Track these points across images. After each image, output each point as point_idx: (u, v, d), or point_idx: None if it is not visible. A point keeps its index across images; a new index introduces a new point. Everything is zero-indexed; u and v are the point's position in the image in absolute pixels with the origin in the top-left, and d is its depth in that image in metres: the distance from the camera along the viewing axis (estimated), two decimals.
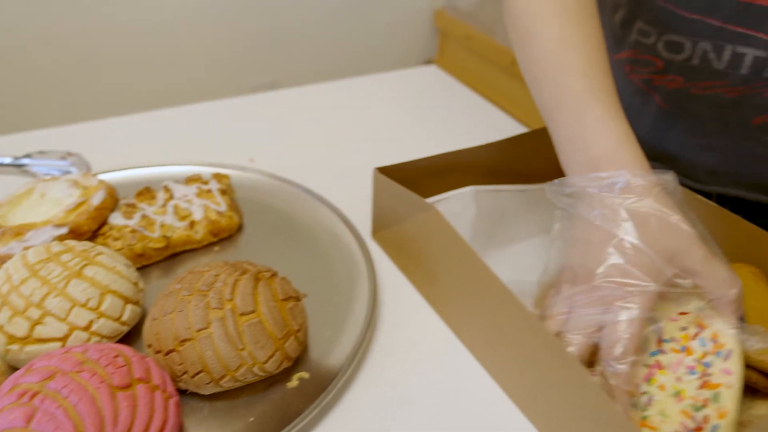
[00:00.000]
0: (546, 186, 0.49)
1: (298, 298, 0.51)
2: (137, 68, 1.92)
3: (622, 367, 0.40)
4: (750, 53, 0.55)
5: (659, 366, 0.42)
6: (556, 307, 0.45)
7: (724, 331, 0.42)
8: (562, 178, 0.48)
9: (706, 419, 0.40)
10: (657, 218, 0.43)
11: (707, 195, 0.68)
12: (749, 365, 0.46)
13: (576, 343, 0.42)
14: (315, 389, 0.48)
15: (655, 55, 0.62)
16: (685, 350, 0.42)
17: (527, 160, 0.69)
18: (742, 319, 0.43)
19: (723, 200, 0.68)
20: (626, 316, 0.41)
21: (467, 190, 0.63)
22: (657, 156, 0.69)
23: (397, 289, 0.60)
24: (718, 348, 0.41)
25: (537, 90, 0.52)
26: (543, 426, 0.46)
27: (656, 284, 0.41)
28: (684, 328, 0.42)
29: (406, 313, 0.57)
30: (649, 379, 0.41)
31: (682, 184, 0.68)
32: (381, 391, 0.50)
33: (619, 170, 0.44)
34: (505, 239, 0.64)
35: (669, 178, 0.45)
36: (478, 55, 2.09)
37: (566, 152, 0.49)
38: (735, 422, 0.40)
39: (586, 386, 0.40)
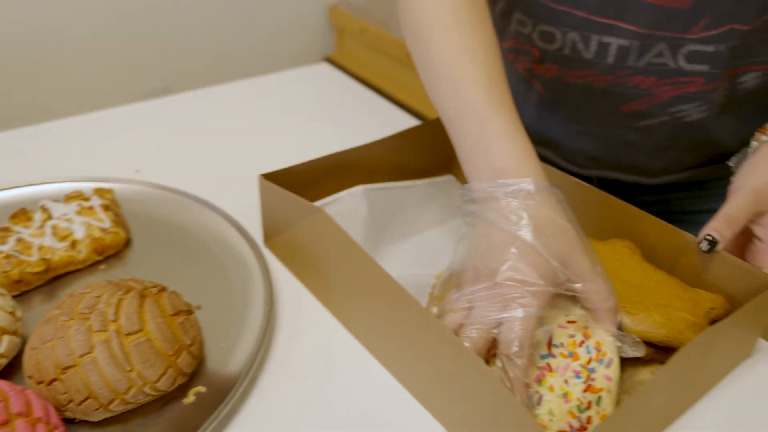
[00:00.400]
0: (456, 192, 0.50)
1: (189, 312, 0.50)
2: (11, 78, 1.80)
3: (520, 361, 0.42)
4: (614, 42, 0.58)
5: (549, 368, 0.44)
6: (457, 302, 0.46)
7: (606, 340, 0.45)
8: (469, 184, 0.50)
9: (589, 420, 0.43)
10: (554, 225, 0.45)
11: (588, 178, 0.72)
12: None
13: (475, 336, 0.43)
14: (213, 402, 0.47)
15: (532, 45, 0.64)
16: (572, 356, 0.44)
17: (414, 155, 0.70)
18: (620, 328, 0.47)
19: (603, 183, 0.72)
20: (524, 314, 0.43)
21: (357, 190, 0.64)
22: (542, 142, 0.72)
23: (294, 294, 0.59)
24: (600, 356, 0.44)
25: (438, 99, 0.53)
26: (446, 420, 0.47)
27: (551, 286, 0.44)
28: (572, 336, 0.45)
29: (304, 318, 0.57)
30: (540, 380, 0.44)
31: (565, 169, 0.72)
32: (282, 397, 0.50)
33: (524, 179, 0.46)
34: (398, 235, 0.65)
35: (558, 191, 0.48)
36: (375, 49, 2.11)
37: (470, 161, 0.50)
38: None
39: (483, 377, 0.41)
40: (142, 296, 0.47)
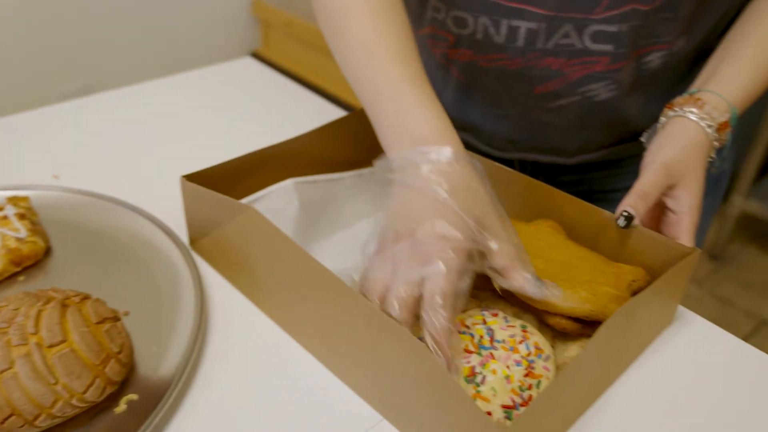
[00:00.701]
0: (374, 162, 0.51)
1: (116, 319, 0.49)
2: None
3: (445, 312, 0.43)
4: (523, 26, 0.60)
5: (492, 357, 0.46)
6: (380, 266, 0.46)
7: (543, 342, 0.48)
8: (388, 153, 0.51)
9: (530, 397, 0.45)
10: (471, 189, 0.47)
11: (509, 161, 0.73)
12: (560, 314, 0.51)
13: (403, 295, 0.44)
14: (145, 410, 0.46)
15: (447, 31, 0.65)
16: (513, 349, 0.47)
17: (341, 147, 0.70)
18: (548, 309, 0.50)
19: (524, 165, 0.74)
20: (446, 268, 0.44)
21: (286, 184, 0.63)
22: (462, 127, 0.73)
23: (225, 295, 0.58)
24: (539, 352, 0.47)
25: (355, 81, 0.54)
26: (382, 408, 0.48)
27: (470, 242, 0.45)
28: (512, 335, 0.48)
29: (237, 318, 0.56)
30: (483, 365, 0.45)
31: (486, 152, 0.73)
32: (218, 399, 0.49)
33: (444, 146, 0.48)
34: (329, 229, 0.65)
35: (477, 162, 0.50)
36: (302, 41, 2.09)
37: (389, 135, 0.51)
38: None
39: (423, 359, 0.42)
40: (64, 306, 0.46)
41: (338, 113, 0.89)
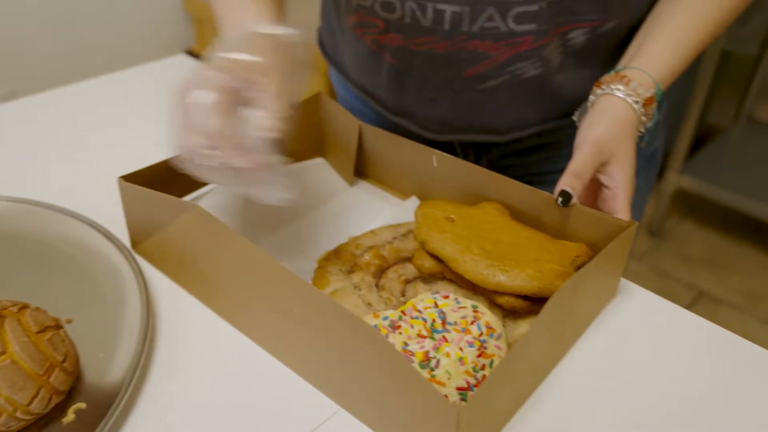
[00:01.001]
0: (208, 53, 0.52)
1: (58, 327, 0.47)
2: None
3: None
4: (448, 9, 0.60)
5: (445, 340, 0.47)
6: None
7: (494, 321, 0.49)
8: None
9: (484, 377, 0.45)
10: (268, 45, 0.51)
11: (447, 144, 0.74)
12: (509, 293, 0.52)
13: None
14: (94, 418, 0.44)
15: (375, 17, 0.65)
16: (465, 331, 0.47)
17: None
18: (498, 289, 0.51)
19: (465, 147, 0.75)
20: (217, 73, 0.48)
21: None
22: (398, 112, 0.74)
23: (172, 297, 0.57)
24: (491, 331, 0.48)
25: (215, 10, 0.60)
26: (339, 397, 0.48)
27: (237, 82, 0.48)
28: (463, 317, 0.49)
29: (185, 319, 0.55)
30: (437, 348, 0.46)
31: (421, 136, 0.74)
32: (168, 403, 0.48)
33: (263, 20, 0.54)
34: (275, 224, 0.64)
35: (295, 34, 0.53)
36: None
37: (225, 27, 0.57)
38: None
39: (378, 344, 0.42)
40: (1, 317, 0.44)
41: None
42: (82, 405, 0.46)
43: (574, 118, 0.63)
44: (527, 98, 0.68)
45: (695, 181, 1.84)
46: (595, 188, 0.59)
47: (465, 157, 0.75)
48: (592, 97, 0.61)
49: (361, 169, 0.73)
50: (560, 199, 0.54)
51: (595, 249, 0.56)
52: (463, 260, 0.53)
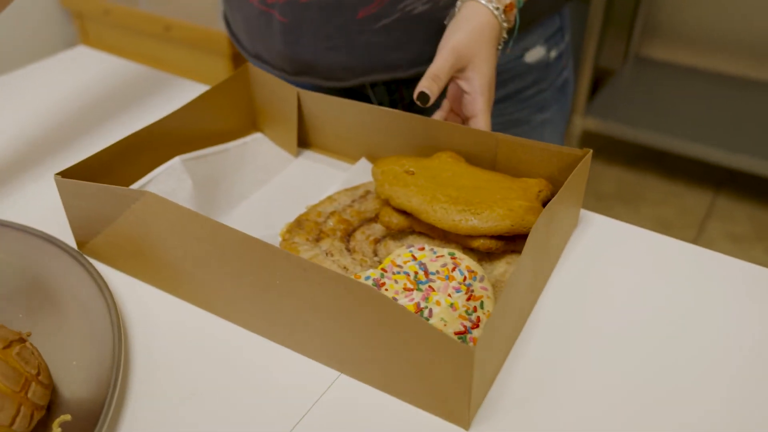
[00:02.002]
0: None
1: (22, 340, 0.43)
2: None
3: None
4: None
5: (432, 289, 0.47)
6: None
7: (474, 264, 0.50)
8: None
9: (478, 319, 0.46)
10: None
11: (359, 93, 0.74)
12: (483, 235, 0.52)
13: None
14: (86, 426, 0.41)
15: None
16: (449, 278, 0.48)
17: (217, 118, 0.67)
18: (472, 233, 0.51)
19: (379, 93, 0.75)
20: None
21: (174, 163, 0.59)
22: (298, 70, 0.73)
23: (135, 292, 0.54)
24: (473, 275, 0.48)
25: None
26: (338, 363, 0.47)
27: None
28: (444, 265, 0.49)
29: (156, 313, 0.52)
30: (426, 298, 0.46)
31: (328, 87, 0.73)
32: (160, 396, 0.45)
33: None
34: (226, 203, 0.62)
35: None
36: (126, 29, 1.95)
37: None
38: None
39: (377, 299, 0.41)
40: None
41: (190, 87, 0.84)
42: (68, 417, 0.42)
43: (445, 22, 0.65)
44: (422, 34, 0.69)
45: (598, 121, 1.92)
46: (459, 94, 0.62)
47: (380, 104, 0.75)
48: (459, 3, 0.63)
49: (301, 139, 0.71)
50: (419, 101, 0.58)
51: (553, 182, 0.57)
52: (432, 210, 0.53)
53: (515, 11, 0.62)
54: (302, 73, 0.73)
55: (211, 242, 0.47)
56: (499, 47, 0.63)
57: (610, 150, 2.10)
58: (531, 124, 0.79)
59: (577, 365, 0.47)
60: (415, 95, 0.59)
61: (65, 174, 0.53)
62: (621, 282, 0.54)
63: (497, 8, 0.61)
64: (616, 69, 2.22)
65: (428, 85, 0.58)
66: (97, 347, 0.47)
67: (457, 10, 0.63)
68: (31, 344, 0.44)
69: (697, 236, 1.79)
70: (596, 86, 2.11)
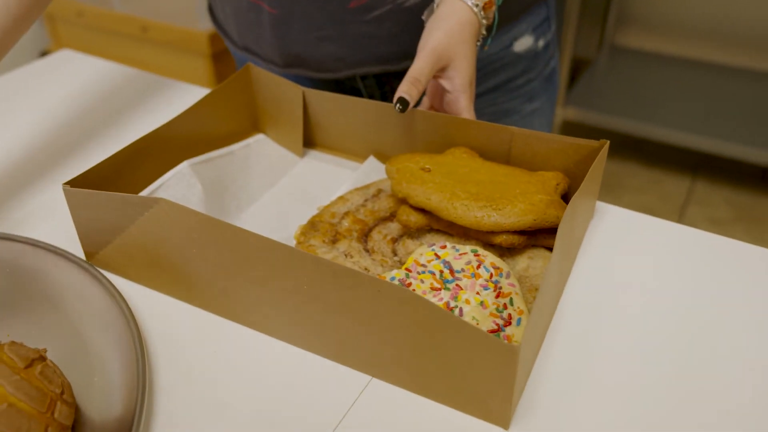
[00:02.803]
0: None
1: (42, 358, 0.42)
2: None
3: None
4: None
5: (459, 288, 0.46)
6: None
7: (498, 261, 0.49)
8: None
9: (510, 316, 0.45)
10: None
11: (346, 83, 0.74)
12: (506, 231, 0.52)
13: None
14: None
15: None
16: (475, 276, 0.47)
17: (219, 121, 0.65)
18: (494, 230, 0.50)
19: (369, 86, 0.74)
20: None
21: (182, 167, 0.57)
22: (289, 62, 0.72)
23: (152, 303, 0.52)
24: (499, 271, 0.48)
25: None
26: (369, 367, 0.46)
27: None
28: (468, 262, 0.48)
29: (176, 325, 0.50)
30: (455, 297, 0.45)
31: (319, 79, 0.72)
32: (189, 409, 0.44)
33: None
34: (236, 207, 0.60)
35: None
36: (100, 31, 1.90)
37: None
38: (527, 315, 0.47)
39: (413, 301, 0.40)
40: None
41: (184, 88, 0.82)
42: None
43: (423, 18, 0.63)
44: (414, 27, 0.68)
45: (578, 111, 1.94)
46: (439, 92, 0.61)
47: (371, 97, 0.74)
48: (437, 0, 0.62)
49: (306, 138, 0.69)
50: (398, 106, 0.56)
51: (569, 174, 0.57)
52: (453, 207, 0.52)
53: (494, 8, 0.61)
54: (292, 65, 0.72)
55: (233, 248, 0.46)
56: (478, 44, 0.61)
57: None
58: (521, 113, 0.79)
59: (609, 356, 0.46)
60: (394, 100, 0.56)
61: (73, 183, 0.51)
62: (642, 270, 0.54)
63: (476, 5, 0.59)
64: (592, 58, 2.24)
65: (407, 89, 0.56)
66: (116, 361, 0.45)
67: (435, 6, 0.61)
68: (51, 362, 0.42)
69: (678, 222, 1.81)
70: (573, 76, 2.13)
